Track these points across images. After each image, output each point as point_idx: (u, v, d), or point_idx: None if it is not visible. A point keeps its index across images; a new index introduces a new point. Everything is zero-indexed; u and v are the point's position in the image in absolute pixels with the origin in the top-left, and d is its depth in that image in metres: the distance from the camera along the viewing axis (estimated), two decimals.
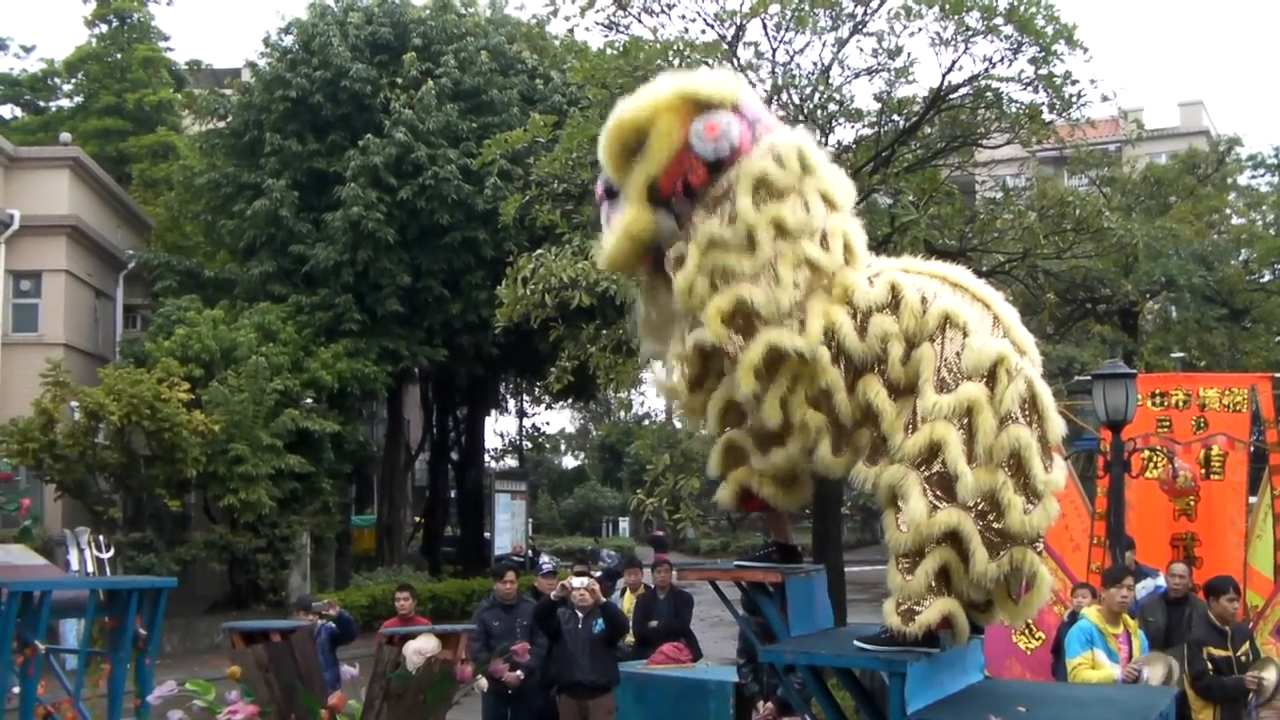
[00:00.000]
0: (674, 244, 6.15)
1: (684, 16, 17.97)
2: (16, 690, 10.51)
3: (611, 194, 6.31)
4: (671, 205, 6.11)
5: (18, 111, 45.97)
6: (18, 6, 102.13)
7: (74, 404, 25.83)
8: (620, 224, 6.13)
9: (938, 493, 5.69)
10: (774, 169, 6.00)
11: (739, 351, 5.97)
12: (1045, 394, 5.93)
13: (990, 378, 5.76)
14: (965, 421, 5.71)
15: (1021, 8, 16.49)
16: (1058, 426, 5.94)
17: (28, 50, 51.45)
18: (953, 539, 5.68)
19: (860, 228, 6.38)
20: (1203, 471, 15.59)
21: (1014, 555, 5.75)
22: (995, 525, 5.69)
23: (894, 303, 5.93)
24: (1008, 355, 5.80)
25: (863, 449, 5.98)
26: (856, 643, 6.09)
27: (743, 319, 5.97)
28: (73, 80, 44.39)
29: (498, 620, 13.48)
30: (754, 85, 17.79)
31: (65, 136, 35.70)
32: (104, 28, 43.17)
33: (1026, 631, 13.53)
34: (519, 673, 12.76)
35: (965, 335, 5.82)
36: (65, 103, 44.97)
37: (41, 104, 45.67)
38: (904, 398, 5.86)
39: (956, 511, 5.65)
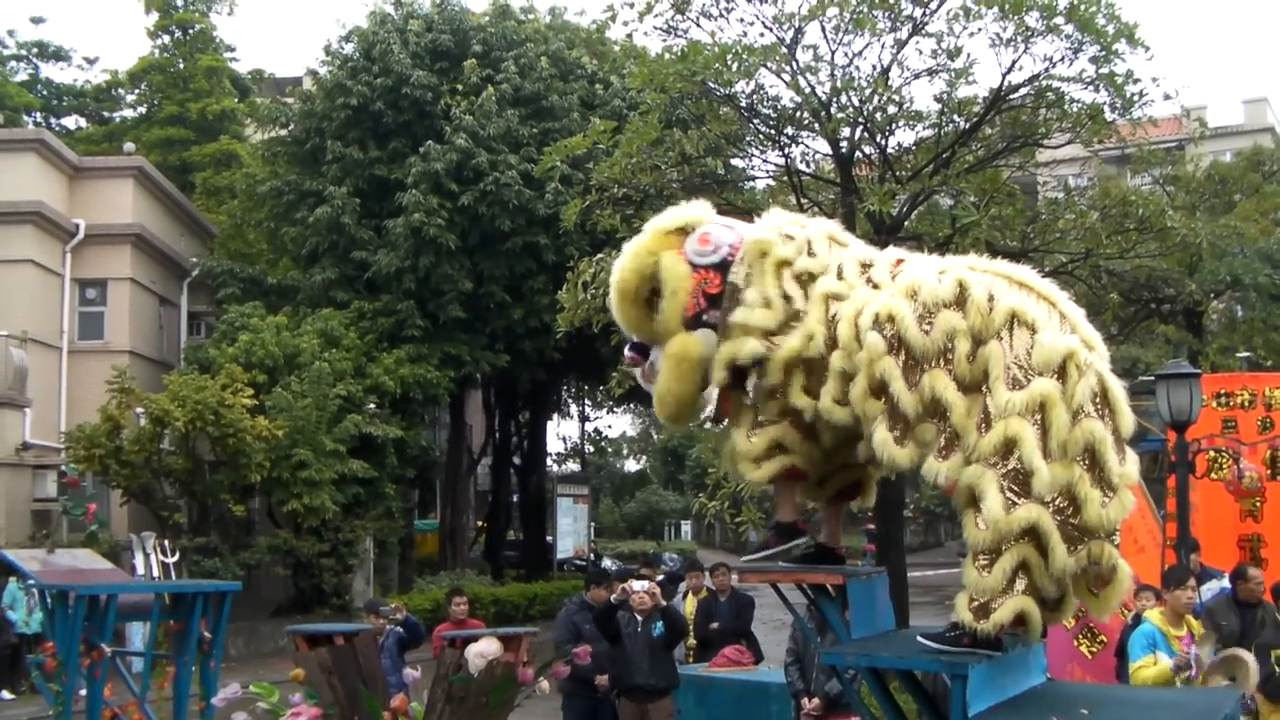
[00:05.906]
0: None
1: (742, 20, 18.00)
2: (83, 692, 10.65)
3: (641, 351, 6.74)
4: (704, 320, 6.43)
5: (82, 122, 46.58)
6: (82, 19, 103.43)
7: (139, 410, 26.09)
8: (672, 354, 6.46)
9: (1014, 489, 5.66)
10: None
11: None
12: (1116, 387, 5.91)
13: (1061, 373, 5.73)
14: (1039, 417, 5.68)
15: (1082, 7, 16.42)
16: (1130, 419, 5.92)
17: (91, 62, 52.51)
18: (1032, 535, 5.66)
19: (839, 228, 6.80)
20: (1269, 472, 15.46)
21: (1091, 549, 5.75)
22: (1073, 520, 5.67)
23: (960, 299, 5.92)
24: (1077, 350, 5.78)
25: (929, 443, 5.95)
26: (919, 638, 6.08)
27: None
28: (136, 90, 44.94)
29: (588, 624, 13.36)
30: (813, 88, 17.81)
31: (129, 146, 35.98)
32: (166, 38, 43.65)
33: (1088, 636, 13.43)
34: (604, 677, 12.83)
35: (1033, 332, 5.81)
36: (129, 113, 45.47)
37: (106, 114, 46.22)
38: (970, 395, 5.84)
39: (1035, 507, 5.62)
